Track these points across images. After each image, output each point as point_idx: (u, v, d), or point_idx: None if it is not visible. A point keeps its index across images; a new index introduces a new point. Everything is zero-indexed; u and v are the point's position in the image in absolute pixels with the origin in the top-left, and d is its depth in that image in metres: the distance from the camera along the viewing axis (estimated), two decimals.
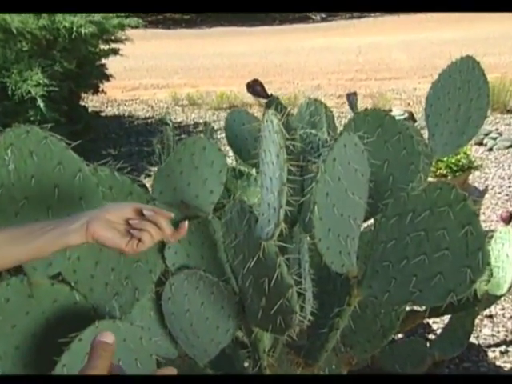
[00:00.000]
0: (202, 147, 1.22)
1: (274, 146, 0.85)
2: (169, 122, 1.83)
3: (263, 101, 1.26)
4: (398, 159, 1.23)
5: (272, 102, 1.22)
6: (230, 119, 1.54)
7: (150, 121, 6.43)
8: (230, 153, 1.77)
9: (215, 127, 5.91)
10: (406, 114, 5.46)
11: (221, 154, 1.23)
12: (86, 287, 1.14)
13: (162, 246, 1.21)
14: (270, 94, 1.24)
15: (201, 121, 6.34)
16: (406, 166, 1.23)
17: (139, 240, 0.80)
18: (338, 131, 1.39)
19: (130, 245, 0.80)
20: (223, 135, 1.65)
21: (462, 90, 1.49)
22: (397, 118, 4.36)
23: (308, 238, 1.19)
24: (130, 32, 5.75)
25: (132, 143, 5.57)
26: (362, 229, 1.23)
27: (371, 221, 1.32)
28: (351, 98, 1.41)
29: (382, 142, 1.23)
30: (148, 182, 4.60)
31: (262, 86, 1.23)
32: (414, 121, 5.84)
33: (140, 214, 0.81)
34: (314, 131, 1.26)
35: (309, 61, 10.42)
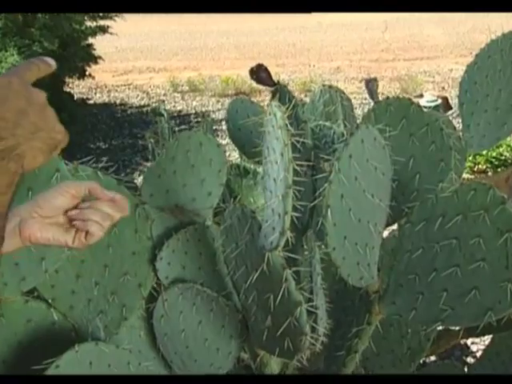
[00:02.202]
0: (199, 143, 1.22)
1: (277, 143, 0.85)
2: (163, 111, 1.83)
3: (271, 88, 1.26)
4: (426, 155, 1.21)
5: (278, 91, 1.21)
6: (232, 110, 1.54)
7: (145, 109, 6.46)
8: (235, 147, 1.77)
9: (219, 117, 5.93)
10: (440, 100, 5.41)
11: (220, 151, 1.23)
12: (66, 304, 1.14)
13: (153, 256, 1.21)
14: (276, 81, 1.23)
15: (203, 109, 6.36)
16: (434, 164, 1.21)
17: (87, 232, 0.75)
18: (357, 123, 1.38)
19: (77, 239, 0.75)
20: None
21: (503, 72, 1.47)
22: (429, 104, 4.34)
23: (321, 247, 1.19)
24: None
25: (124, 135, 5.60)
26: (383, 236, 1.22)
27: (394, 227, 1.31)
28: (371, 84, 1.40)
29: (407, 135, 1.21)
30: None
31: (267, 71, 1.22)
32: (450, 108, 5.79)
33: (78, 197, 0.76)
34: (327, 123, 1.25)
35: (327, 39, 10.39)
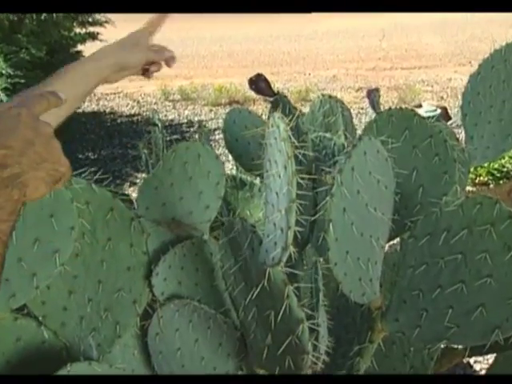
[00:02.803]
0: (197, 154, 1.22)
1: (280, 156, 0.85)
2: (157, 121, 1.84)
3: (269, 99, 1.27)
4: (429, 168, 1.22)
5: (279, 102, 1.22)
6: (229, 120, 1.55)
7: (135, 118, 6.47)
8: (230, 157, 1.78)
9: (212, 126, 5.94)
10: (439, 111, 5.47)
11: (218, 163, 1.23)
12: (57, 322, 1.13)
13: (148, 272, 1.21)
14: (276, 91, 1.24)
15: (195, 119, 6.37)
16: (438, 176, 1.22)
17: None
18: (357, 134, 1.39)
19: None
20: (222, 135, 1.66)
21: (507, 83, 1.49)
22: (427, 114, 4.42)
23: (322, 262, 1.19)
24: (111, 14, 5.80)
25: (114, 145, 5.60)
26: (385, 250, 1.22)
27: (397, 240, 1.32)
28: (373, 95, 1.41)
29: (410, 147, 1.22)
30: (133, 192, 4.61)
31: (266, 81, 1.23)
32: (449, 118, 5.85)
33: None
34: (328, 135, 1.26)
35: (322, 47, 10.46)
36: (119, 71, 1.06)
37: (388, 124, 1.24)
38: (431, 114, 5.11)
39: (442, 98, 6.90)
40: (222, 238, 1.16)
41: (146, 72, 1.12)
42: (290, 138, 0.83)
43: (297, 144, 0.85)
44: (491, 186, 3.36)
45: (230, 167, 4.36)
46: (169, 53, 1.10)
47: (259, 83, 1.23)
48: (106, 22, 5.94)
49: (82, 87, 1.01)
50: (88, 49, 5.93)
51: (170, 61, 1.10)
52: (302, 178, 0.89)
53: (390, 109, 1.25)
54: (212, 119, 6.24)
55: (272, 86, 1.28)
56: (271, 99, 1.25)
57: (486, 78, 1.47)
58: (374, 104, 1.41)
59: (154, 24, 1.10)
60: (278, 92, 1.25)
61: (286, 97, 1.21)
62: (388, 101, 6.67)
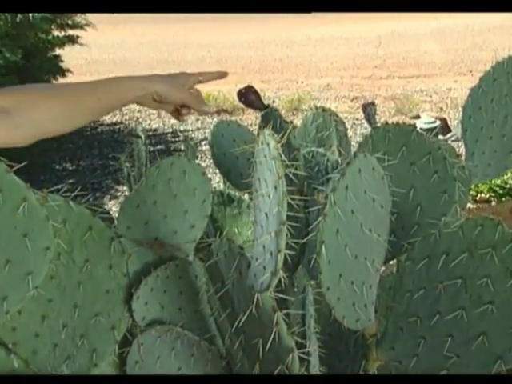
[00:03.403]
0: (182, 171, 1.22)
1: (270, 175, 0.86)
2: (140, 133, 1.84)
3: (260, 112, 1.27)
4: (428, 186, 1.23)
5: (269, 116, 1.22)
6: (216, 133, 1.55)
7: (117, 127, 6.46)
8: (216, 170, 1.78)
9: (199, 137, 5.95)
10: (438, 122, 5.51)
11: (205, 180, 1.23)
12: (29, 349, 1.12)
13: (128, 295, 1.20)
14: (266, 104, 1.25)
15: (181, 128, 6.38)
16: (437, 195, 1.23)
17: None
18: (352, 149, 1.40)
19: None
20: (209, 147, 1.66)
21: (509, 97, 1.50)
22: (426, 126, 4.45)
23: (314, 286, 1.19)
24: (92, 15, 5.80)
25: (94, 156, 5.59)
26: (381, 274, 1.23)
27: (393, 263, 1.32)
28: (368, 108, 1.42)
29: (407, 164, 1.23)
30: (114, 206, 4.58)
31: (256, 94, 1.24)
32: (449, 130, 5.90)
33: None
34: (321, 150, 1.26)
35: (316, 54, 10.54)
36: (154, 101, 1.15)
37: (384, 140, 1.25)
38: (430, 126, 5.14)
39: (441, 108, 6.97)
40: (207, 260, 1.16)
41: (177, 113, 1.21)
42: (281, 156, 0.83)
43: (288, 163, 0.85)
44: (493, 203, 3.39)
45: (218, 180, 4.37)
46: (206, 107, 1.22)
47: (249, 95, 1.24)
48: (87, 24, 5.95)
49: (122, 101, 1.12)
50: (67, 53, 5.93)
51: (201, 109, 1.22)
52: (293, 199, 0.89)
53: (386, 124, 1.26)
54: (199, 129, 6.25)
55: (262, 97, 1.29)
56: (261, 112, 1.26)
57: (488, 91, 1.48)
58: (370, 118, 1.42)
59: (209, 77, 1.22)
60: (269, 105, 1.25)
61: (277, 110, 1.22)
62: (384, 111, 6.73)
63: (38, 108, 1.00)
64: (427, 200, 1.25)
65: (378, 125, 1.32)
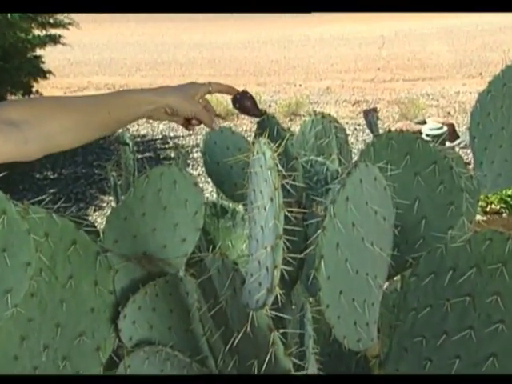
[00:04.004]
0: (173, 181, 1.23)
1: (266, 187, 0.87)
2: (128, 140, 1.85)
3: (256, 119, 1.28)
4: (433, 198, 1.24)
5: (266, 123, 1.24)
6: (209, 140, 1.56)
7: None
8: (209, 179, 1.78)
9: (190, 143, 5.96)
10: (445, 128, 5.54)
11: (197, 191, 1.24)
12: (7, 372, 1.12)
13: (114, 314, 1.20)
14: (263, 110, 1.26)
15: (171, 134, 6.39)
16: (443, 207, 1.24)
17: None
18: (353, 158, 1.41)
19: None
20: (201, 154, 1.67)
21: None
22: (432, 132, 4.46)
23: (312, 304, 1.19)
24: (75, 14, 5.82)
25: (78, 163, 5.60)
26: (384, 290, 1.23)
27: (397, 279, 1.33)
28: (370, 115, 1.44)
29: (412, 174, 1.24)
30: (99, 218, 4.56)
31: (252, 99, 1.25)
32: (456, 136, 5.93)
33: None
34: (320, 159, 1.27)
35: (315, 55, 10.59)
36: (166, 114, 1.20)
37: (387, 148, 1.26)
38: (437, 132, 5.17)
39: (448, 113, 7.00)
40: (199, 276, 1.16)
41: (187, 123, 1.25)
42: (277, 166, 0.84)
43: (285, 173, 0.86)
44: (504, 215, 3.40)
45: (210, 190, 4.37)
46: (215, 124, 1.26)
47: (244, 101, 1.25)
48: (70, 23, 5.96)
49: (133, 115, 1.16)
50: (48, 53, 5.94)
51: (211, 126, 1.26)
52: (291, 211, 0.90)
53: (389, 131, 1.27)
54: (190, 135, 6.26)
55: (258, 101, 1.30)
56: (257, 119, 1.27)
57: (497, 96, 1.50)
58: (372, 125, 1.43)
59: (217, 88, 1.27)
60: (266, 111, 1.26)
61: (274, 117, 1.23)
62: (388, 116, 6.76)
63: (48, 121, 1.04)
64: (433, 212, 1.25)
65: (381, 132, 1.33)
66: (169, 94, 1.18)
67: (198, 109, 1.21)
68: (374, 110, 1.44)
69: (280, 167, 0.85)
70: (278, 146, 0.87)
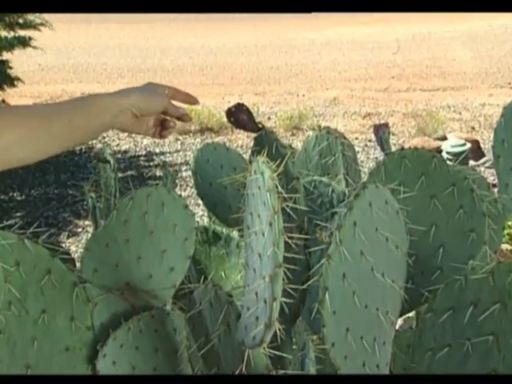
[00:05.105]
0: (160, 203, 1.25)
1: (265, 210, 0.89)
2: (109, 157, 1.86)
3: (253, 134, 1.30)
4: (452, 223, 1.26)
5: (264, 139, 1.26)
6: (200, 158, 1.58)
7: (78, 148, 6.48)
8: (200, 201, 1.79)
9: (179, 160, 5.98)
10: (469, 145, 5.57)
11: (187, 214, 1.26)
12: None
13: (93, 353, 1.21)
14: (260, 124, 1.28)
15: (157, 150, 6.42)
16: (463, 234, 1.25)
17: None
18: (363, 179, 1.43)
19: None
20: (191, 173, 1.68)
21: None
22: (454, 149, 4.48)
23: (316, 342, 1.21)
24: (48, 14, 5.84)
25: (49, 183, 5.60)
26: (397, 328, 1.24)
27: (411, 314, 1.34)
28: (381, 131, 1.46)
29: (427, 197, 1.26)
30: (74, 245, 4.55)
31: (249, 113, 1.27)
32: (481, 155, 5.95)
33: None
34: (325, 179, 1.29)
35: (321, 61, 10.65)
36: (135, 117, 1.21)
37: (400, 168, 1.28)
38: (459, 150, 5.20)
39: (472, 128, 7.03)
40: (189, 310, 1.17)
41: (160, 128, 1.29)
42: (277, 187, 0.86)
43: (285, 195, 0.88)
44: None
45: (201, 213, 4.38)
46: (183, 110, 1.28)
47: (239, 115, 1.27)
48: (42, 24, 5.99)
49: (97, 121, 1.17)
50: (16, 58, 5.96)
51: (185, 117, 1.28)
52: (292, 238, 0.92)
53: (402, 148, 1.30)
54: (178, 151, 6.28)
55: (256, 114, 1.32)
56: (255, 135, 1.29)
57: None
58: (383, 142, 1.45)
59: (173, 94, 1.28)
60: (264, 126, 1.28)
61: (272, 132, 1.25)
62: (403, 131, 6.79)
63: (1, 132, 1.05)
64: (451, 240, 1.27)
65: (393, 149, 1.34)
66: (132, 93, 1.21)
67: (167, 101, 1.24)
68: (385, 125, 1.46)
69: (280, 188, 0.87)
70: (278, 165, 0.89)
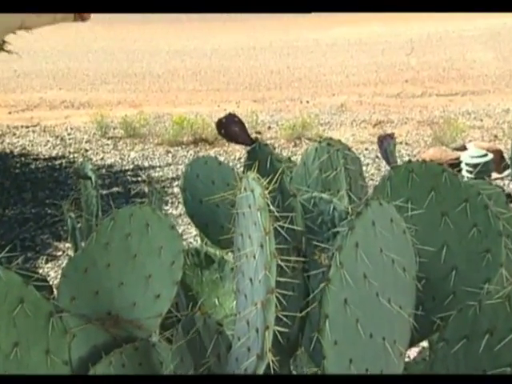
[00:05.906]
0: (144, 223, 1.26)
1: (255, 230, 0.89)
2: (90, 172, 1.88)
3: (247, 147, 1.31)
4: (465, 243, 1.26)
5: (257, 152, 1.27)
6: (190, 173, 1.58)
7: (57, 163, 6.50)
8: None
9: (169, 175, 5.99)
10: (491, 155, 5.56)
11: (174, 235, 1.26)
12: None
13: None
14: (254, 137, 1.29)
15: (145, 164, 6.42)
16: (477, 255, 1.26)
17: None
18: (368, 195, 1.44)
19: None
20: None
21: None
22: (474, 160, 4.49)
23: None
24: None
25: (25, 201, 5.61)
26: (406, 359, 1.24)
27: (423, 344, 1.35)
28: (386, 142, 1.46)
29: (438, 214, 1.27)
30: (52, 269, 4.58)
31: (241, 124, 1.28)
32: (505, 166, 5.93)
33: None
34: (325, 196, 1.30)
35: (326, 64, 10.68)
36: None
37: (407, 182, 1.29)
38: (479, 161, 5.19)
39: (495, 137, 7.03)
40: (177, 341, 1.18)
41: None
42: (269, 205, 0.88)
43: (279, 214, 0.89)
44: None
45: (194, 233, 4.37)
46: None
47: (231, 126, 1.28)
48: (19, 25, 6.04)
49: None
50: None
51: None
52: (288, 260, 0.93)
53: (409, 162, 1.30)
54: (169, 165, 6.29)
55: (254, 122, 1.34)
56: (248, 148, 1.30)
57: None
58: (388, 155, 1.46)
59: None
60: (257, 138, 1.29)
61: (266, 145, 1.26)
62: (418, 140, 6.79)
63: None
64: (464, 261, 1.27)
65: (400, 163, 1.35)
66: None
67: None
68: (391, 135, 1.46)
69: (272, 207, 0.88)
70: (270, 181, 0.90)
